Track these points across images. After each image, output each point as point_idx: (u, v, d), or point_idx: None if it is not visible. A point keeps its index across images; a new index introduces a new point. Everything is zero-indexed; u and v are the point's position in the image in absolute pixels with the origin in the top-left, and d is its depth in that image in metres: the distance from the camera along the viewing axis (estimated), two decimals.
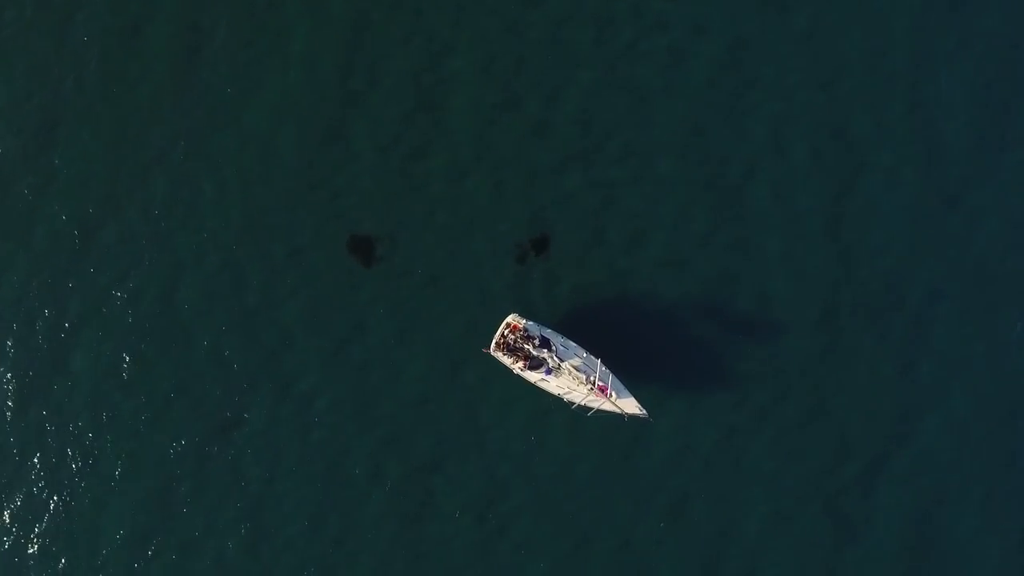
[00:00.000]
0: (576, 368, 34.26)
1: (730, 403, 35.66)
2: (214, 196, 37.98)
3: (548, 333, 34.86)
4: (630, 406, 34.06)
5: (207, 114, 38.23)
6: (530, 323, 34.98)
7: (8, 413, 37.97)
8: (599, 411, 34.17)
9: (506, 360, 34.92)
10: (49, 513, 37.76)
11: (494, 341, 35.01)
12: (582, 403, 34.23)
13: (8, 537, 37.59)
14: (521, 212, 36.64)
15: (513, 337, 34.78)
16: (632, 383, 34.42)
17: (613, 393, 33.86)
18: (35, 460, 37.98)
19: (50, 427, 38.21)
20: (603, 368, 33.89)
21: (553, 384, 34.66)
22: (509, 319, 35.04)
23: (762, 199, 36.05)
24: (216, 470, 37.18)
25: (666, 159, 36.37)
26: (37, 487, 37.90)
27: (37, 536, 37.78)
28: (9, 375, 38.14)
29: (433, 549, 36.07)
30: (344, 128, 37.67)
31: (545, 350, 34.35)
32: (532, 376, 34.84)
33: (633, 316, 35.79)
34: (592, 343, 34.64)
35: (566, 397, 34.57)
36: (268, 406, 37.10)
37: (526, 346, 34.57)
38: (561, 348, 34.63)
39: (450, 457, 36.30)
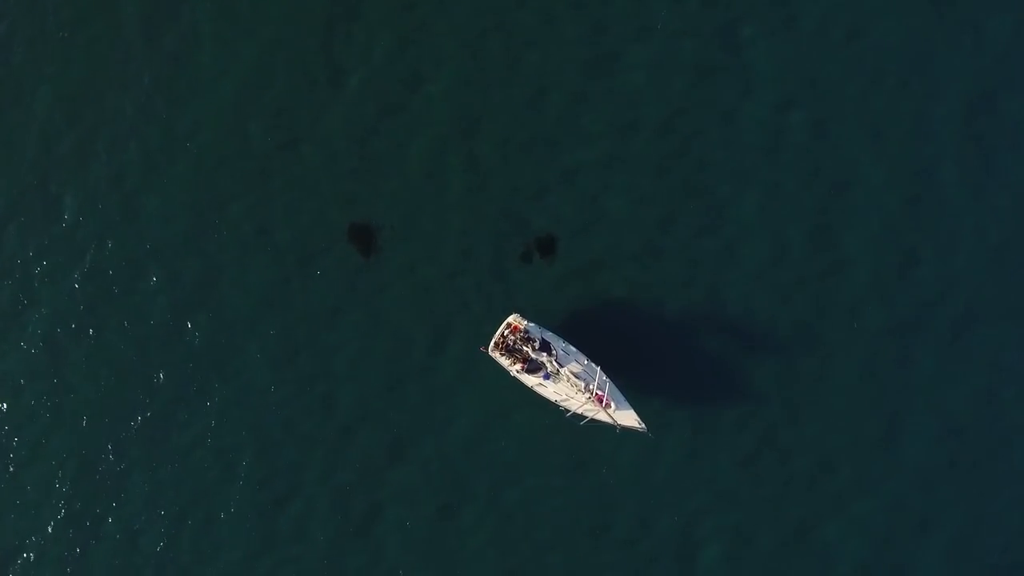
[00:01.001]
0: (575, 375, 33.09)
1: (722, 424, 34.43)
2: (189, 169, 37.01)
3: (549, 336, 33.72)
4: (628, 419, 32.88)
5: (187, 86, 37.20)
6: (531, 325, 33.85)
7: None
8: (594, 421, 32.93)
9: (504, 361, 33.73)
10: None
11: (493, 341, 33.83)
12: (578, 411, 33.03)
13: None
14: (530, 210, 35.60)
15: (513, 338, 33.63)
16: (633, 395, 33.28)
17: (612, 403, 32.68)
18: None
19: (2, 404, 37.04)
20: (603, 376, 32.74)
21: (550, 389, 33.47)
22: (510, 319, 33.90)
23: (777, 216, 35.20)
24: (171, 453, 36.05)
25: (685, 170, 35.45)
26: None
27: None
28: None
29: (389, 549, 34.93)
30: (347, 111, 36.66)
31: (545, 354, 33.18)
32: (529, 380, 33.65)
33: (639, 326, 34.70)
34: (594, 351, 33.50)
35: (563, 404, 33.36)
36: (232, 390, 35.99)
37: (525, 348, 33.42)
38: (562, 353, 33.48)
39: (421, 454, 35.12)
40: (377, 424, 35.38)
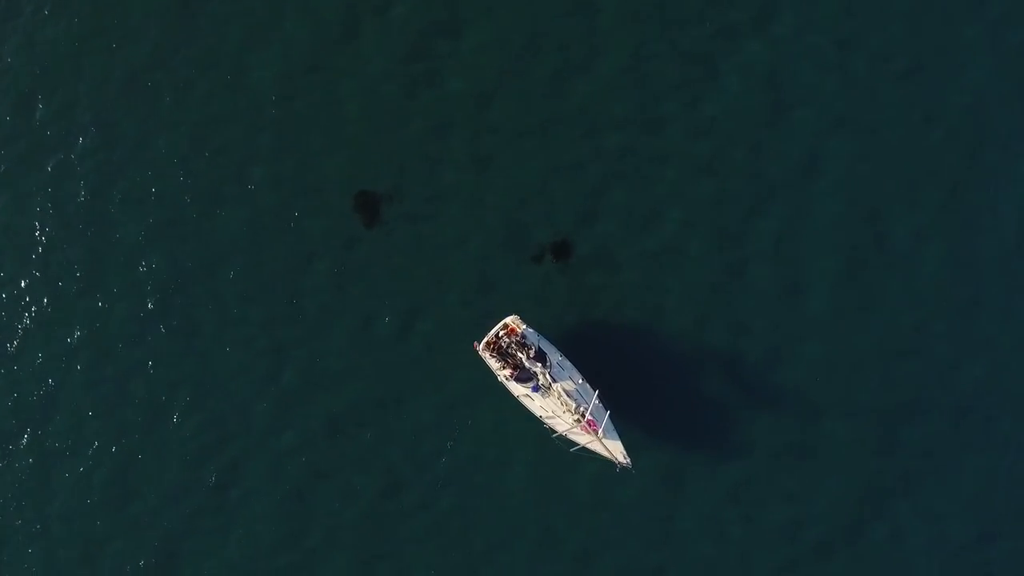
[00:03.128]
0: (567, 393, 30.44)
1: (710, 471, 32.03)
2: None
3: (546, 346, 31.07)
4: (614, 449, 30.27)
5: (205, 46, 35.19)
6: (529, 330, 31.17)
7: None
8: (585, 450, 30.21)
9: (493, 364, 31.04)
10: None
11: (485, 339, 31.12)
12: (564, 434, 30.35)
13: None
14: (549, 210, 33.05)
15: (508, 341, 30.95)
16: (622, 425, 30.70)
17: (603, 432, 30.03)
18: None
19: None
20: (598, 402, 30.11)
21: (537, 403, 30.81)
22: (508, 320, 31.21)
23: (804, 254, 32.77)
24: (135, 402, 33.75)
25: (716, 187, 33.04)
26: None
27: None
28: None
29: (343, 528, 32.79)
30: (363, 88, 34.34)
31: (539, 364, 30.48)
32: (516, 389, 30.97)
33: (643, 352, 32.17)
34: (593, 370, 30.87)
35: (548, 422, 30.70)
36: (206, 347, 33.62)
37: (519, 354, 30.73)
38: (557, 366, 30.83)
39: (388, 447, 32.80)
40: (338, 398, 33.01)
